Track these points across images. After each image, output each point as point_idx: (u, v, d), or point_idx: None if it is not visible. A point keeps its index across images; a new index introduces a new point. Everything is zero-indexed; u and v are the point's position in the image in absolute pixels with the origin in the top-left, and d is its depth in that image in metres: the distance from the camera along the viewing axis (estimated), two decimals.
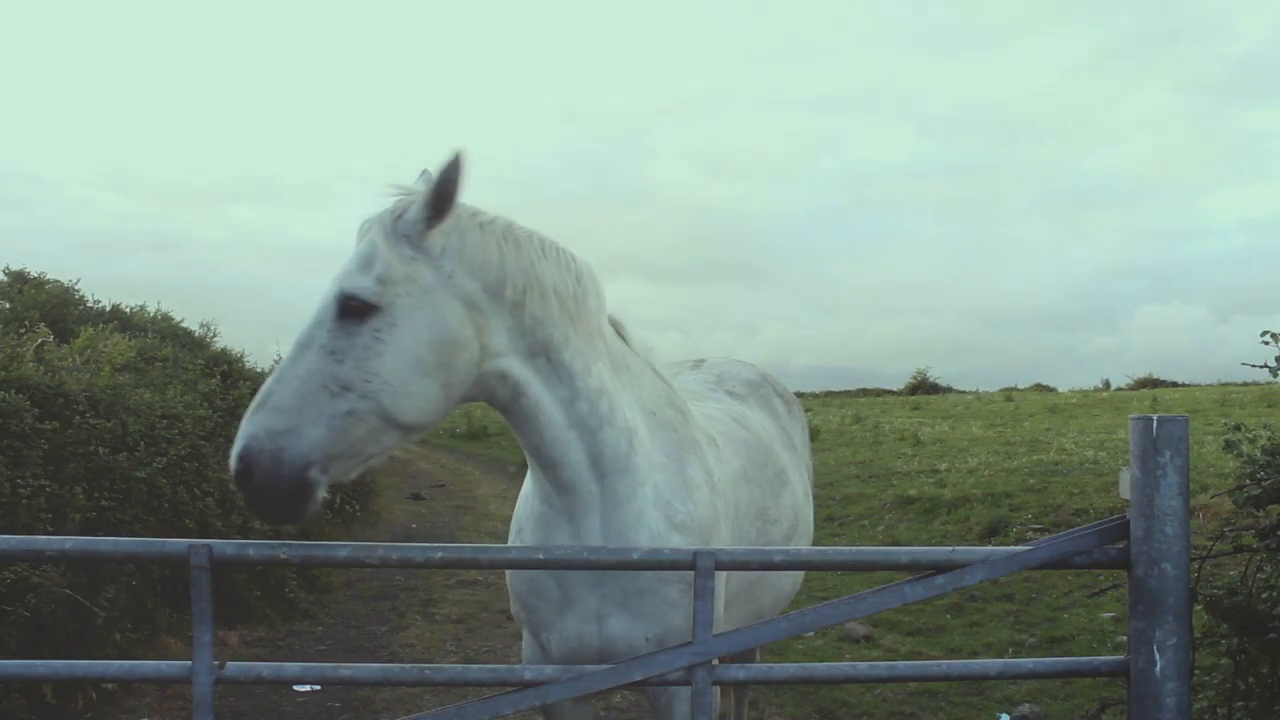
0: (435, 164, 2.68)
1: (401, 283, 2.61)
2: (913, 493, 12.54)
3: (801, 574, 4.23)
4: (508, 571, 3.31)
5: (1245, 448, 3.94)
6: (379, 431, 2.62)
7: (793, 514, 3.86)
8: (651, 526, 3.01)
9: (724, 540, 3.21)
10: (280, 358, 2.88)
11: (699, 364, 4.55)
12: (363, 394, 2.57)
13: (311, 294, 2.81)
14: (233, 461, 2.57)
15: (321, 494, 2.60)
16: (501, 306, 2.76)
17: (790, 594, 4.03)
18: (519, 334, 2.80)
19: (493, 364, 2.78)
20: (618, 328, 3.21)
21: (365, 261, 2.65)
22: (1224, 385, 24.71)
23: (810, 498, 4.34)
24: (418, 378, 2.62)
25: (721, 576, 3.24)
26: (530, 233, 2.89)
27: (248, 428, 2.57)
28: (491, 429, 22.14)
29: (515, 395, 2.85)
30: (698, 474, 3.14)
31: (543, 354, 2.85)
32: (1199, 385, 26.64)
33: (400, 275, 2.61)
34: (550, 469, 2.98)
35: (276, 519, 2.65)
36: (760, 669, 3.41)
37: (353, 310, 2.59)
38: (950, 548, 3.18)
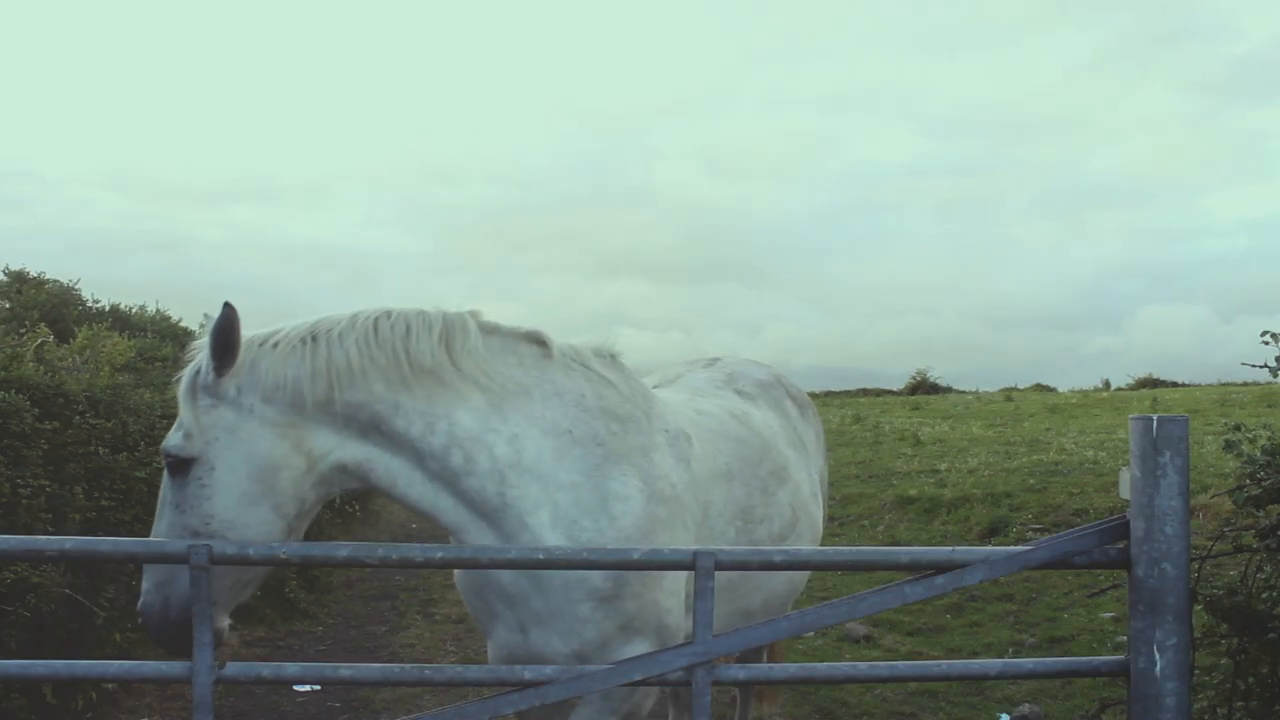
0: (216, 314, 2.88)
1: (207, 430, 2.86)
2: (913, 493, 12.54)
3: (801, 577, 4.16)
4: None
5: (1245, 448, 3.94)
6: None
7: (790, 513, 3.81)
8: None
9: (672, 542, 3.15)
10: None
11: (713, 362, 4.54)
12: (208, 535, 2.82)
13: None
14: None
15: (220, 624, 2.90)
16: (307, 413, 2.90)
17: (786, 596, 3.96)
18: (341, 424, 2.94)
19: (325, 464, 2.94)
20: (539, 342, 3.21)
21: (178, 420, 2.93)
22: (1224, 385, 24.68)
23: (819, 498, 4.28)
24: (247, 508, 2.84)
25: (686, 579, 3.21)
26: (335, 322, 3.00)
27: (143, 585, 2.93)
28: None
29: (365, 475, 2.99)
30: (626, 485, 3.10)
31: (374, 430, 2.96)
32: (1199, 385, 26.62)
33: (204, 424, 2.86)
34: (431, 519, 3.08)
35: (185, 656, 2.85)
36: (760, 669, 3.41)
37: (176, 466, 2.87)
38: (950, 548, 3.18)
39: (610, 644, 3.05)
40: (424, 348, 2.97)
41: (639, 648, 3.06)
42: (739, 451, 3.65)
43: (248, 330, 2.94)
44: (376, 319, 3.00)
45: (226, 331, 2.83)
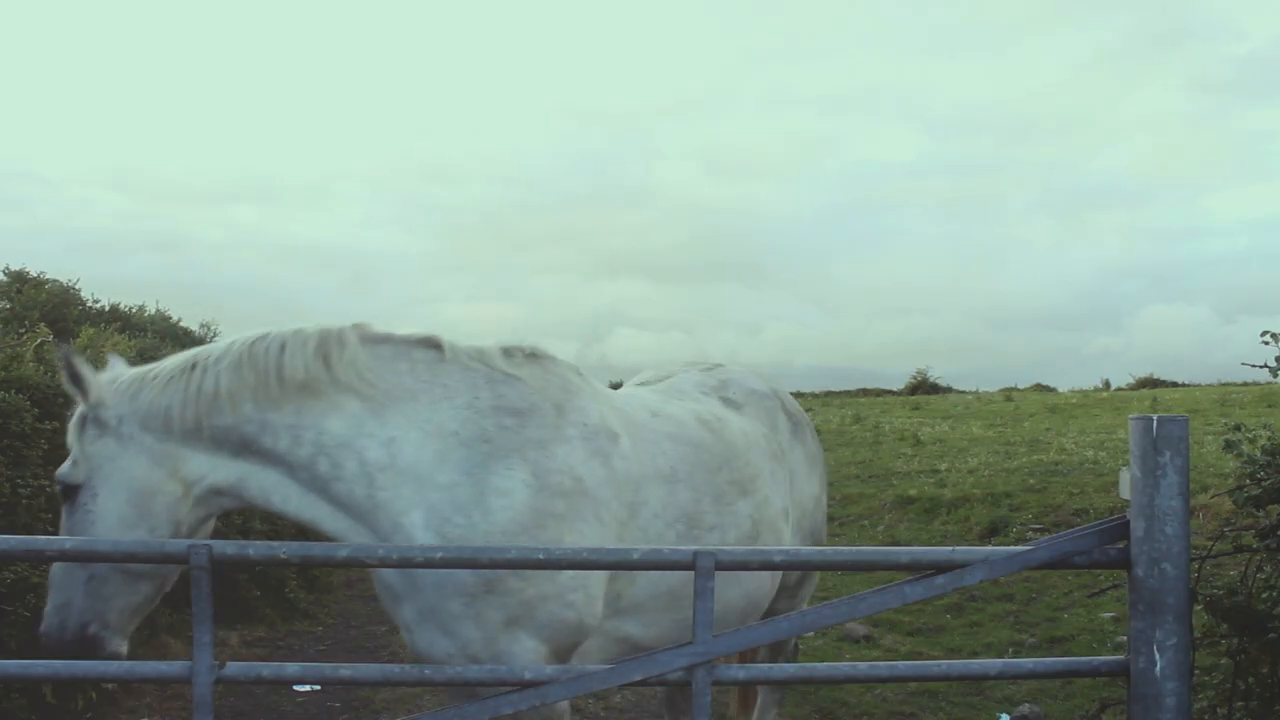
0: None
1: (92, 459, 3.05)
2: (913, 493, 12.55)
3: (762, 596, 3.85)
4: None
5: (1245, 448, 3.94)
6: (127, 584, 3.03)
7: (750, 525, 3.65)
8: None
9: (573, 536, 3.12)
10: None
11: (712, 368, 4.39)
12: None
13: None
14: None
15: (115, 646, 3.05)
16: (176, 439, 3.05)
17: (743, 612, 3.69)
18: (213, 448, 3.07)
19: (200, 488, 3.08)
20: (434, 346, 3.26)
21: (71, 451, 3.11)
22: (1224, 385, 24.66)
23: (790, 516, 4.02)
24: (125, 532, 2.99)
25: (599, 578, 3.18)
26: (213, 350, 3.16)
27: (45, 609, 3.08)
28: None
29: (240, 493, 3.12)
30: (509, 479, 3.10)
31: (246, 450, 3.09)
32: (1199, 385, 26.60)
33: (89, 453, 3.05)
34: (315, 529, 3.15)
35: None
36: (760, 669, 3.41)
37: (66, 492, 3.07)
38: (950, 548, 3.19)
39: (496, 640, 3.06)
40: (296, 362, 3.09)
41: (529, 644, 3.07)
42: (693, 456, 3.56)
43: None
44: (252, 342, 3.14)
45: (70, 371, 3.05)
